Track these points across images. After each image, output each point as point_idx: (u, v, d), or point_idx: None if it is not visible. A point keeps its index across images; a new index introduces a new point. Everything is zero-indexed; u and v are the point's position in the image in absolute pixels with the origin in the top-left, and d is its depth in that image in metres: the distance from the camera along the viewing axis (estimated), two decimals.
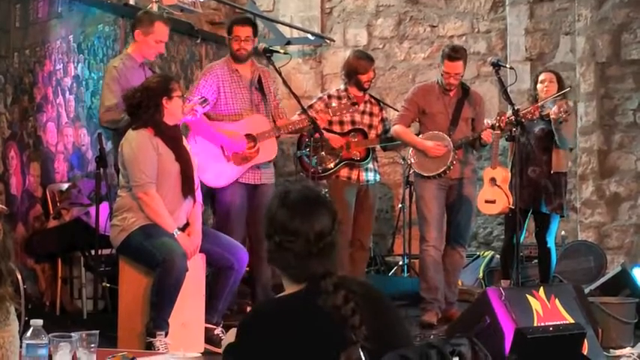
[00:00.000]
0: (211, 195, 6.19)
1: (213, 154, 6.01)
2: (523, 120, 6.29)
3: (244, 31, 6.16)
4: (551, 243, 6.81)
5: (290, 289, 2.48)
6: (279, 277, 2.56)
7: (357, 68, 6.70)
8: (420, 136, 6.49)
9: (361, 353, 2.29)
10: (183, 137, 5.27)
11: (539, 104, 6.57)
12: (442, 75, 6.40)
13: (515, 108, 6.28)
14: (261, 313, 2.52)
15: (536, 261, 7.66)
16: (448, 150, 6.32)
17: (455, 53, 6.34)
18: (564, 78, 7.19)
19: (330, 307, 2.35)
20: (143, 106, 5.01)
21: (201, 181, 5.75)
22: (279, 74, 6.04)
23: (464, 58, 6.39)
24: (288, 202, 2.48)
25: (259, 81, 6.21)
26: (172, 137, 5.07)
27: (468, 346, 2.26)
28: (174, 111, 5.07)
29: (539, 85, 6.84)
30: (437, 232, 6.40)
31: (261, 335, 2.39)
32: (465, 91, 6.52)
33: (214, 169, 6.01)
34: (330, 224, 2.47)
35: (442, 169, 6.34)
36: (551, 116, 6.55)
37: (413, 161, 6.49)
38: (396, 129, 6.53)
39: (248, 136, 6.06)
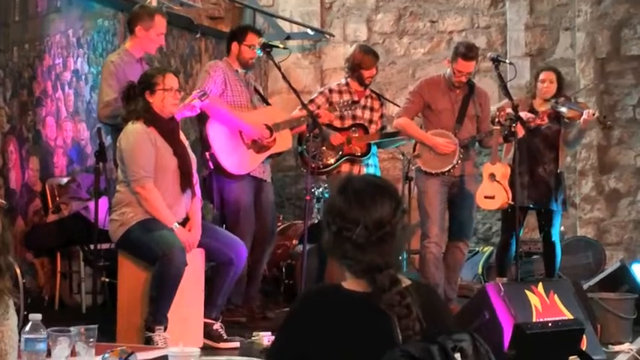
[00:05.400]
0: (217, 190, 6.14)
1: (233, 141, 5.99)
2: (531, 125, 6.30)
3: (258, 41, 6.15)
4: (556, 238, 6.85)
5: (352, 283, 2.40)
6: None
7: (362, 63, 6.68)
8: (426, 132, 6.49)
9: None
10: (181, 132, 5.25)
11: (554, 108, 6.57)
12: (454, 72, 6.37)
13: (515, 104, 6.28)
14: (321, 297, 2.43)
15: (535, 257, 7.68)
16: (455, 148, 6.33)
17: (470, 52, 6.32)
18: (564, 74, 7.19)
19: (386, 305, 2.29)
20: (131, 97, 5.03)
21: (218, 167, 5.76)
22: (279, 69, 6.03)
23: (477, 57, 6.41)
24: (349, 189, 2.38)
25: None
26: (169, 131, 5.07)
27: (469, 342, 2.25)
28: (158, 105, 5.02)
29: (539, 84, 6.82)
30: (439, 229, 6.40)
31: (313, 320, 2.33)
32: (470, 87, 6.51)
33: (235, 156, 5.98)
34: (391, 213, 2.36)
35: (448, 168, 6.33)
36: (583, 118, 6.54)
37: (417, 157, 6.46)
38: (400, 122, 6.49)
39: (265, 125, 6.08)
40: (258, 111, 6.13)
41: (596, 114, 6.65)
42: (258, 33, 6.30)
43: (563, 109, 6.60)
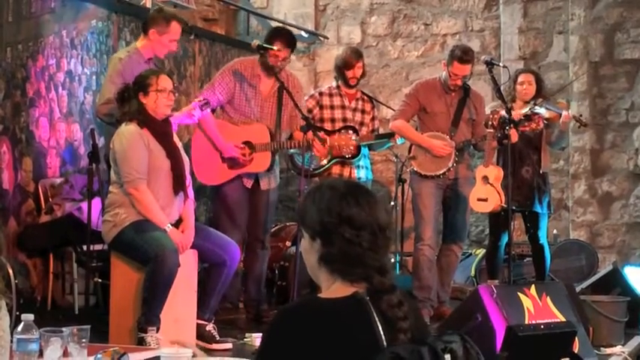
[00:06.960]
0: (209, 191, 6.20)
1: (211, 152, 6.04)
2: (527, 130, 6.30)
3: (286, 53, 6.11)
4: (543, 240, 6.83)
5: (335, 291, 2.33)
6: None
7: (343, 64, 6.69)
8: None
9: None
10: (174, 133, 5.25)
11: (532, 110, 6.57)
12: (449, 76, 6.37)
13: (509, 106, 6.29)
14: (304, 312, 2.31)
15: (527, 259, 7.68)
16: (451, 151, 6.33)
17: (466, 56, 6.31)
18: (557, 77, 7.20)
19: (387, 307, 2.25)
20: (125, 99, 5.03)
21: (193, 176, 5.76)
22: (273, 72, 6.03)
23: (473, 60, 6.40)
24: (351, 194, 2.34)
25: (279, 90, 6.14)
26: (163, 133, 5.06)
27: (459, 343, 2.24)
28: (152, 106, 5.02)
29: (517, 87, 6.79)
30: (433, 231, 6.40)
31: (294, 335, 2.25)
32: (465, 90, 6.51)
33: (206, 167, 6.04)
34: (388, 217, 2.37)
35: (443, 170, 6.34)
36: (562, 120, 6.56)
37: (412, 159, 6.46)
38: (397, 124, 6.49)
39: (248, 143, 6.04)
40: (249, 127, 6.09)
41: (571, 113, 6.65)
42: (292, 44, 6.24)
43: (542, 111, 6.59)
